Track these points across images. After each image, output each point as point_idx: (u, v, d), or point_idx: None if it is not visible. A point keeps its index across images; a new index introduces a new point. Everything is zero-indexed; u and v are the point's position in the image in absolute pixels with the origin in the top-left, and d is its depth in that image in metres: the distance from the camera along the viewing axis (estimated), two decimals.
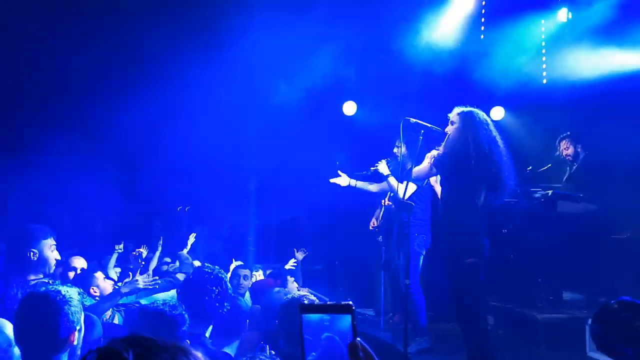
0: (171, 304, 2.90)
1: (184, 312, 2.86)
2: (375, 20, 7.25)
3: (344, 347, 0.89)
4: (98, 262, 6.57)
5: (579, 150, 5.84)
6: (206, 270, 3.42)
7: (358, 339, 0.91)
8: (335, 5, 6.86)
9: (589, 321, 3.05)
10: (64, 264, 4.47)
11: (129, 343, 0.90)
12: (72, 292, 2.20)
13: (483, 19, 7.33)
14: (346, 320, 0.91)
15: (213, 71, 7.47)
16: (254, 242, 7.69)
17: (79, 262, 4.66)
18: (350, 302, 0.94)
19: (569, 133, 5.94)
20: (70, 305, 2.10)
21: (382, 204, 5.88)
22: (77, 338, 2.10)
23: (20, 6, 6.71)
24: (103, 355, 0.91)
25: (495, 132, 3.88)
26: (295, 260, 6.91)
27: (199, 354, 0.96)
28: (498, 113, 7.32)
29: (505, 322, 5.87)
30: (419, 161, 4.40)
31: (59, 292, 2.13)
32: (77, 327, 2.10)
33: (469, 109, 3.95)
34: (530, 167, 6.07)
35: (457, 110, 3.97)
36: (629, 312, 1.27)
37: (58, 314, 2.05)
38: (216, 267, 3.47)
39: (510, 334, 5.76)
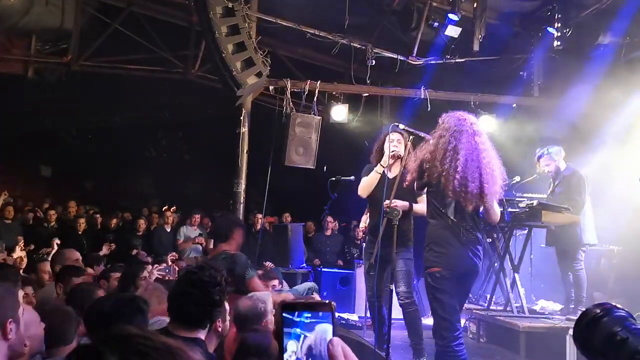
0: None
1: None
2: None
3: (324, 345, 0.90)
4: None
5: (559, 165, 5.76)
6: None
7: (336, 337, 0.92)
8: None
9: (570, 331, 3.04)
10: None
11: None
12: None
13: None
14: (327, 318, 0.93)
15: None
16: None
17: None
18: (331, 301, 0.96)
19: (547, 150, 5.83)
20: None
21: (366, 212, 5.75)
22: (12, 330, 1.88)
23: None
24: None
25: (479, 140, 3.54)
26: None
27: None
28: (488, 122, 7.26)
29: (487, 329, 5.94)
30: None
31: None
32: (8, 320, 1.88)
33: (454, 113, 3.67)
34: (517, 178, 6.05)
35: (443, 115, 3.72)
36: (609, 316, 1.30)
37: None
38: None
39: (491, 342, 5.82)
